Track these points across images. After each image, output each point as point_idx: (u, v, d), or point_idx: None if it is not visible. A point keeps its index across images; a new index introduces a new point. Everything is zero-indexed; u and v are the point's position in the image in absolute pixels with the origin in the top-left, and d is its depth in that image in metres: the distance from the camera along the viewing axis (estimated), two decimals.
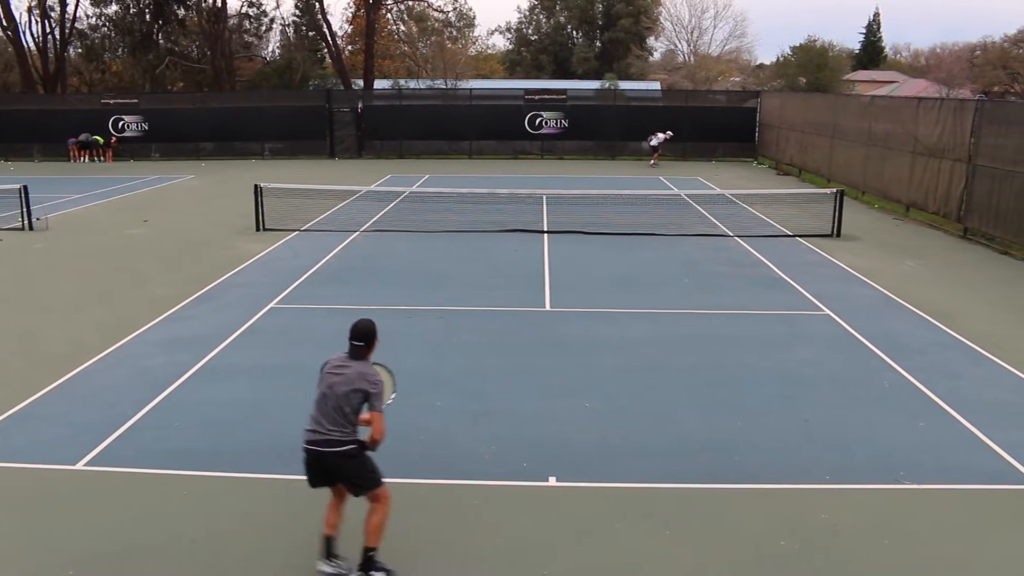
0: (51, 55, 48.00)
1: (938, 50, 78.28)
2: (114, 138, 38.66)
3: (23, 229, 20.01)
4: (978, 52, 63.10)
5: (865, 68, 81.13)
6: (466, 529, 6.87)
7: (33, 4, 47.05)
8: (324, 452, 5.91)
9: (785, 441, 8.53)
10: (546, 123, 39.07)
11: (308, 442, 5.95)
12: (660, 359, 11.01)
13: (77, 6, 48.72)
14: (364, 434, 5.95)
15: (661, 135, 36.18)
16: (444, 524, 6.96)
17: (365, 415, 5.94)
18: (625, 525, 6.93)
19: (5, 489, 7.52)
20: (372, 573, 6.04)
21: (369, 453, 6.00)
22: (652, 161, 36.13)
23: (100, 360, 10.86)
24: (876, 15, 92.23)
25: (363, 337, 6.05)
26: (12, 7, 44.74)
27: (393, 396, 6.36)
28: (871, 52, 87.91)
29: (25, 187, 20.42)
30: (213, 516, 7.04)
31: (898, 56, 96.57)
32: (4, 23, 45.22)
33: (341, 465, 5.94)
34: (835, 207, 19.59)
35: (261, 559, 6.43)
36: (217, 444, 8.38)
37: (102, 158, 37.77)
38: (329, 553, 6.10)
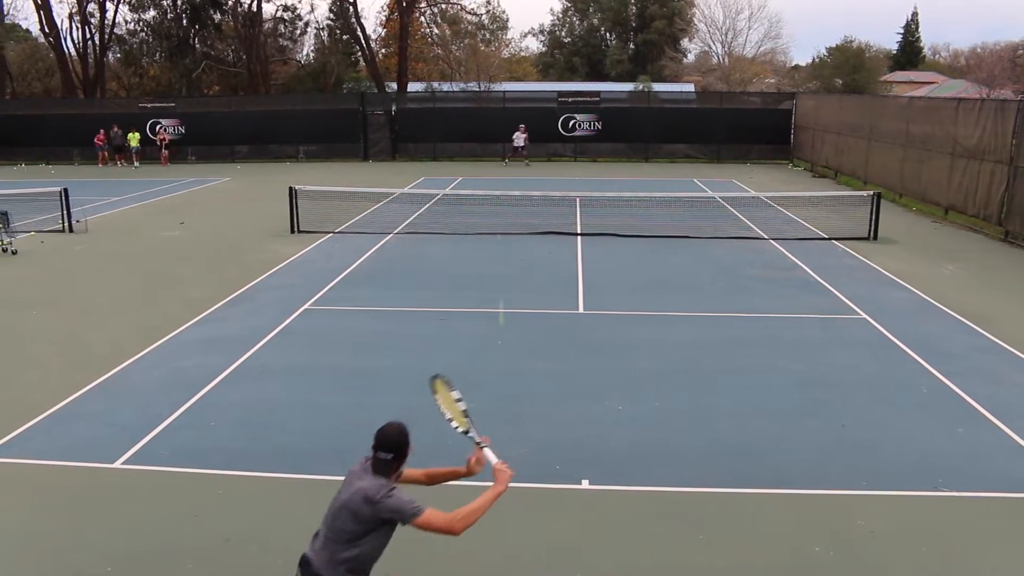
0: (91, 60, 48.86)
1: (979, 50, 76.63)
2: (160, 133, 38.81)
3: (63, 231, 20.34)
4: (1020, 52, 61.94)
5: (903, 69, 79.93)
6: (498, 532, 6.86)
7: (74, 11, 48.04)
8: None
9: (821, 446, 8.43)
10: (579, 125, 39.03)
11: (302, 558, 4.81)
12: (694, 362, 10.94)
13: (116, 12, 49.45)
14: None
15: (521, 134, 36.62)
16: (476, 527, 6.94)
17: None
18: (658, 529, 6.90)
19: (45, 487, 7.64)
20: None
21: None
22: (507, 161, 36.72)
23: (137, 361, 11.00)
24: (914, 15, 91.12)
25: (392, 447, 4.69)
26: (54, 14, 45.67)
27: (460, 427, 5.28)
28: (909, 53, 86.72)
29: (65, 190, 20.79)
30: (248, 516, 7.10)
31: (937, 57, 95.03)
32: (46, 29, 46.23)
33: None
34: (872, 210, 19.36)
35: (296, 559, 6.46)
36: (251, 444, 8.45)
37: (137, 163, 37.99)
38: None
